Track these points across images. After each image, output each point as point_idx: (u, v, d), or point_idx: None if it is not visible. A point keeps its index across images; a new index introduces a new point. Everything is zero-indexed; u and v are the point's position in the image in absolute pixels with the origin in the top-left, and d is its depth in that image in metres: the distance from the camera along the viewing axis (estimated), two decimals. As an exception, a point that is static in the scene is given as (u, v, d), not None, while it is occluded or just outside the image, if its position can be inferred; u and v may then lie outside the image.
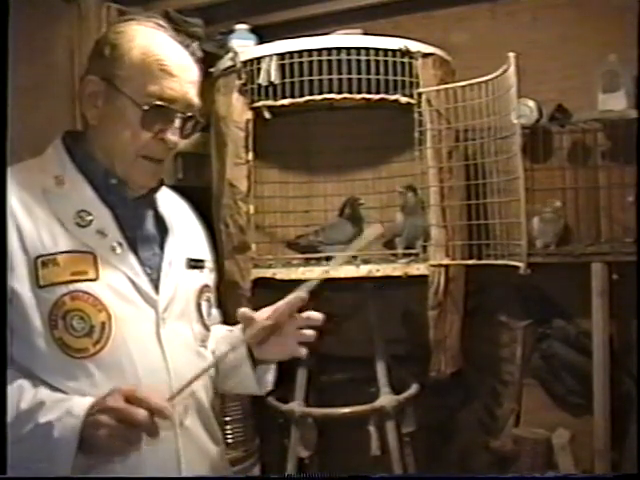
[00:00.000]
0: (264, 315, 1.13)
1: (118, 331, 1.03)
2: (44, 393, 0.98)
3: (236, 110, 2.09)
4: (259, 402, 2.32)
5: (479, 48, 2.42)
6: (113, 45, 1.07)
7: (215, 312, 1.30)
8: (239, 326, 1.20)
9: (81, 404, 0.95)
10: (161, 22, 1.12)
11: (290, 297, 1.11)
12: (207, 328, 1.20)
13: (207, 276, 1.23)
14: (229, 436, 2.30)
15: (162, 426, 1.00)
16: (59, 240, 1.02)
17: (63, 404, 0.96)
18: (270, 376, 1.25)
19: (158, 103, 1.05)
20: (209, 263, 1.26)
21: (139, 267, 1.08)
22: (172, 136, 1.07)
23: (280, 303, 1.12)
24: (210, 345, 1.22)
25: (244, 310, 1.13)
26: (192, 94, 1.09)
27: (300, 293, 1.10)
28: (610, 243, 2.21)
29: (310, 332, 1.14)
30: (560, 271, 2.23)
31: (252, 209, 2.11)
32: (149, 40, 1.08)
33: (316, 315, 1.14)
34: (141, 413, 0.92)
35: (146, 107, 1.04)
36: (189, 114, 1.09)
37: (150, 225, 1.15)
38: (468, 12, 2.54)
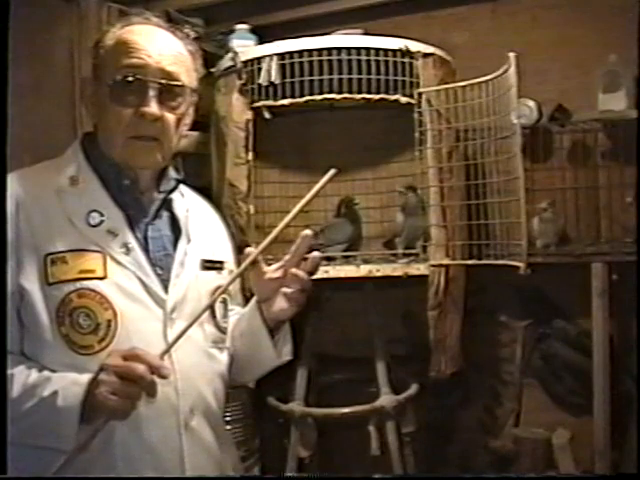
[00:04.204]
0: (272, 268, 1.15)
1: (123, 329, 1.03)
2: (51, 373, 1.00)
3: (236, 110, 2.09)
4: (259, 402, 2.32)
5: (479, 48, 2.42)
6: (97, 43, 1.12)
7: (237, 310, 1.30)
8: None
9: (86, 375, 0.97)
10: (149, 16, 1.13)
11: (296, 243, 1.13)
12: (221, 330, 1.19)
13: (225, 278, 1.21)
14: (229, 436, 2.30)
15: (166, 425, 1.02)
16: (69, 239, 1.04)
17: (68, 376, 0.98)
18: (288, 344, 1.23)
19: (121, 75, 1.05)
20: (229, 265, 1.25)
21: (149, 267, 1.09)
22: (148, 108, 1.06)
23: (287, 256, 1.14)
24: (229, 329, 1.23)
25: (250, 249, 1.14)
26: (165, 63, 1.07)
27: (306, 233, 1.13)
28: (610, 243, 2.21)
29: (303, 274, 1.13)
30: (560, 271, 2.22)
31: (252, 209, 2.11)
32: (125, 29, 1.10)
33: (316, 253, 1.15)
34: (141, 368, 0.93)
35: (110, 81, 1.06)
36: (165, 82, 1.07)
37: (164, 226, 1.16)
38: (468, 12, 2.54)
